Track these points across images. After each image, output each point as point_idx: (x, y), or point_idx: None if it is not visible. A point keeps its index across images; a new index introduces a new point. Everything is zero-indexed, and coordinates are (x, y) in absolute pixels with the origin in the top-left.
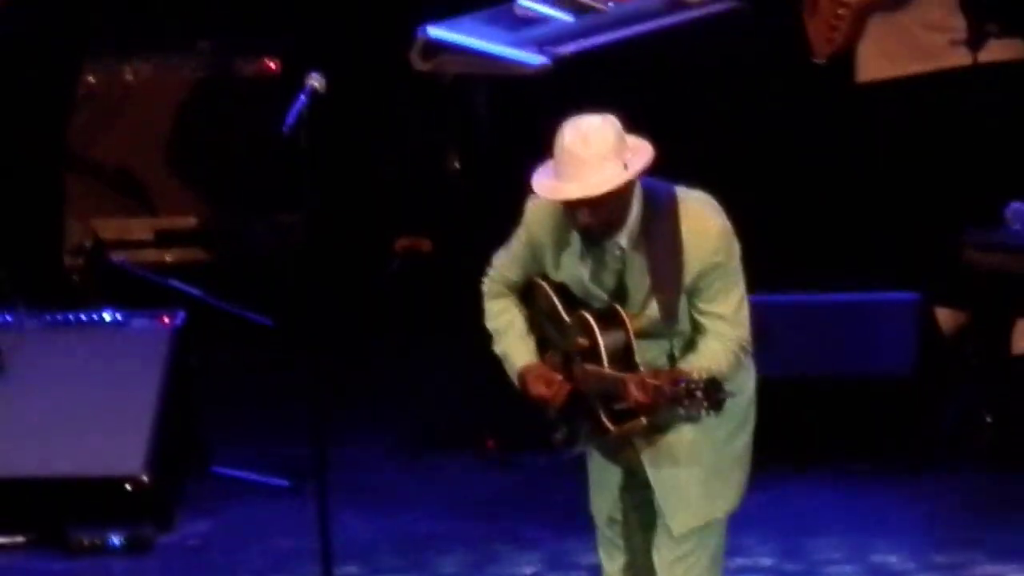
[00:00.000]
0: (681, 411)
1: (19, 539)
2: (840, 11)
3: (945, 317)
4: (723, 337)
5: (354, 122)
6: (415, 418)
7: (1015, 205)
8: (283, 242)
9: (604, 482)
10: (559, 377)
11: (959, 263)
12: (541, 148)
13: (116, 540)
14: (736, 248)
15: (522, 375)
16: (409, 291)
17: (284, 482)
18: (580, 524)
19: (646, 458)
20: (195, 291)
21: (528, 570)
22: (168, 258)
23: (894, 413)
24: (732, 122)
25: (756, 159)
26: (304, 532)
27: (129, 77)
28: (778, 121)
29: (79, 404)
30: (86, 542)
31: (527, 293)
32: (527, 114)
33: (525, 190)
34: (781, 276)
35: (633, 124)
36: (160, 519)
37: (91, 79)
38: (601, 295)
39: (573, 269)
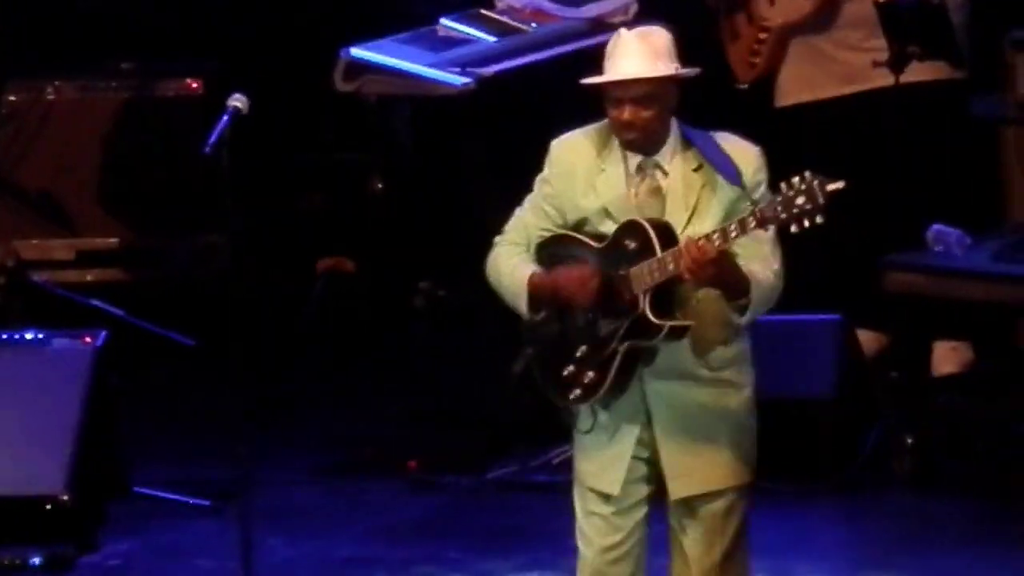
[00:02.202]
0: (792, 227)
1: None
2: (761, 35)
3: (866, 339)
4: (763, 260)
5: (277, 143)
6: (337, 440)
7: (937, 227)
8: (206, 262)
9: (615, 451)
10: (583, 267)
11: (880, 286)
12: (464, 168)
13: (36, 560)
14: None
15: (537, 281)
16: (332, 312)
17: (206, 502)
18: (504, 544)
19: (656, 415)
20: (117, 311)
21: None
22: (89, 278)
23: (815, 435)
24: None
25: None
26: (226, 553)
27: (51, 97)
28: None
29: (0, 423)
30: (6, 562)
31: (538, 257)
32: (450, 134)
33: (449, 210)
34: None
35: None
36: (81, 539)
37: (13, 98)
38: (638, 215)
39: (616, 189)
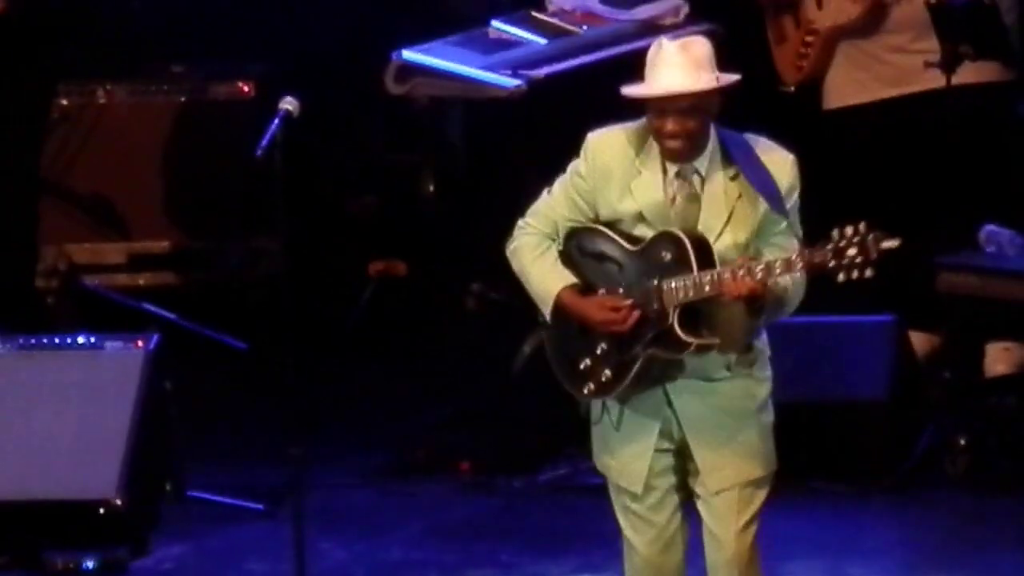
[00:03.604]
0: (840, 275)
1: None
2: (808, 38)
3: (919, 340)
4: (786, 260)
5: (329, 146)
6: (390, 442)
7: (989, 227)
8: (258, 266)
9: (636, 448)
10: (627, 302)
11: (933, 286)
12: (515, 170)
13: (90, 564)
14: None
15: (568, 300)
16: (384, 315)
17: (259, 506)
18: (556, 547)
19: (682, 413)
20: (169, 314)
21: None
22: (142, 282)
23: (869, 436)
24: None
25: None
26: (279, 557)
27: (103, 100)
28: None
29: (53, 427)
30: (60, 565)
31: (564, 247)
32: (502, 137)
33: (501, 211)
34: None
35: None
36: (134, 543)
37: (65, 102)
38: (676, 221)
39: (653, 194)
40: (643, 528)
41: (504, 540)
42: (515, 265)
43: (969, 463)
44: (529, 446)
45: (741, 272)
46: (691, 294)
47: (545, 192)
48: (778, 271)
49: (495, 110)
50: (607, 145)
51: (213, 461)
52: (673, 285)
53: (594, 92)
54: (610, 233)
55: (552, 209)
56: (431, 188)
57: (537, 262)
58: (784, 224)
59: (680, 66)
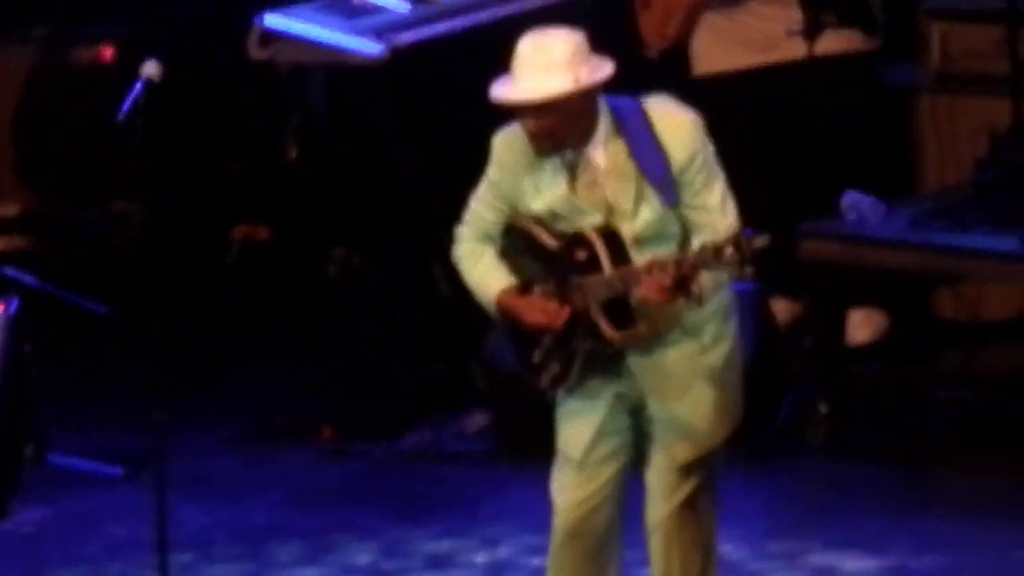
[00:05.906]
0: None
1: None
2: (674, 5)
3: (781, 308)
4: (716, 230)
5: (191, 110)
6: (252, 408)
7: (850, 195)
8: (119, 231)
9: (585, 418)
10: (554, 302)
11: (794, 253)
12: (379, 136)
13: None
14: (707, 138)
15: (505, 303)
16: (246, 279)
17: (117, 470)
18: (418, 513)
19: (639, 376)
20: (29, 279)
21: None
22: (0, 246)
23: None
24: None
25: None
26: (140, 521)
27: None
28: None
29: None
30: None
31: (503, 243)
32: (365, 102)
33: (364, 178)
34: None
35: (467, 116)
36: None
37: None
38: (588, 208)
39: (556, 188)
40: (573, 489)
41: (366, 506)
42: (459, 270)
43: (830, 431)
44: (391, 413)
45: (655, 273)
46: (606, 292)
47: (472, 198)
48: (672, 270)
49: (358, 75)
50: (509, 143)
51: (74, 426)
52: (590, 283)
53: (456, 58)
54: (536, 230)
55: (478, 215)
56: (294, 154)
57: (474, 270)
58: (700, 180)
59: (531, 69)
